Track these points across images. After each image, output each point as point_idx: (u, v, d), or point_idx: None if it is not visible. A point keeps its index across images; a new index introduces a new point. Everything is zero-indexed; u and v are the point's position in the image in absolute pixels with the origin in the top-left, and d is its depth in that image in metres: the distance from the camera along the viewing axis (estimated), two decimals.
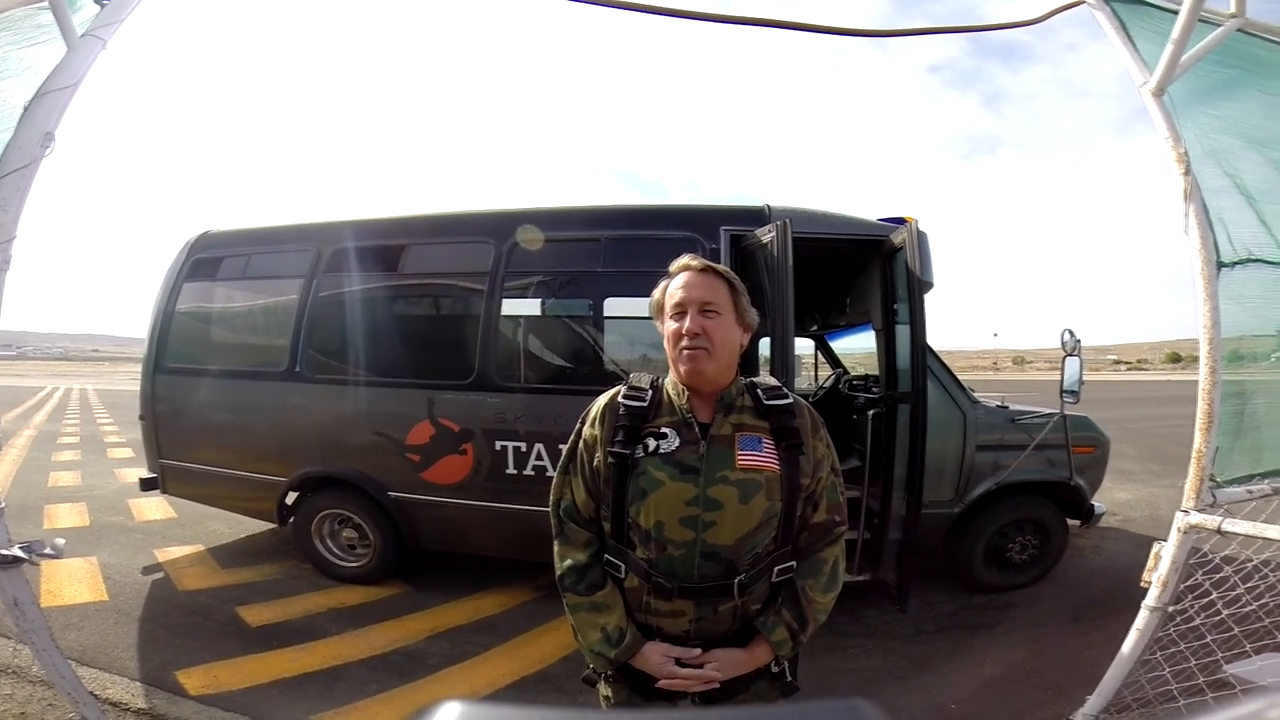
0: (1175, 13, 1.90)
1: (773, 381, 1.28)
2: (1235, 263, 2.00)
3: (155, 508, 5.55)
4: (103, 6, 1.70)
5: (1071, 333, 3.61)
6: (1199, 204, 1.92)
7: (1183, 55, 1.92)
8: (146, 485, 4.34)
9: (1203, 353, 1.91)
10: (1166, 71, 1.96)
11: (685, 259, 1.25)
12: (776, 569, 1.21)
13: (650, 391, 1.25)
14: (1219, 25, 2.02)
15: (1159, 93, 1.99)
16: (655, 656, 1.18)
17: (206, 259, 4.23)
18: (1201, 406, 1.93)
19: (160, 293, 4.26)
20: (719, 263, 1.48)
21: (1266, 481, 2.10)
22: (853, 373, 5.52)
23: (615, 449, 1.19)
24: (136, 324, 4.38)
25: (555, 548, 1.29)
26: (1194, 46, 1.94)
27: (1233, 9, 2.06)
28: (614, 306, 3.60)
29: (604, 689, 1.26)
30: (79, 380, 38.40)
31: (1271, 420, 2.17)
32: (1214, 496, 1.96)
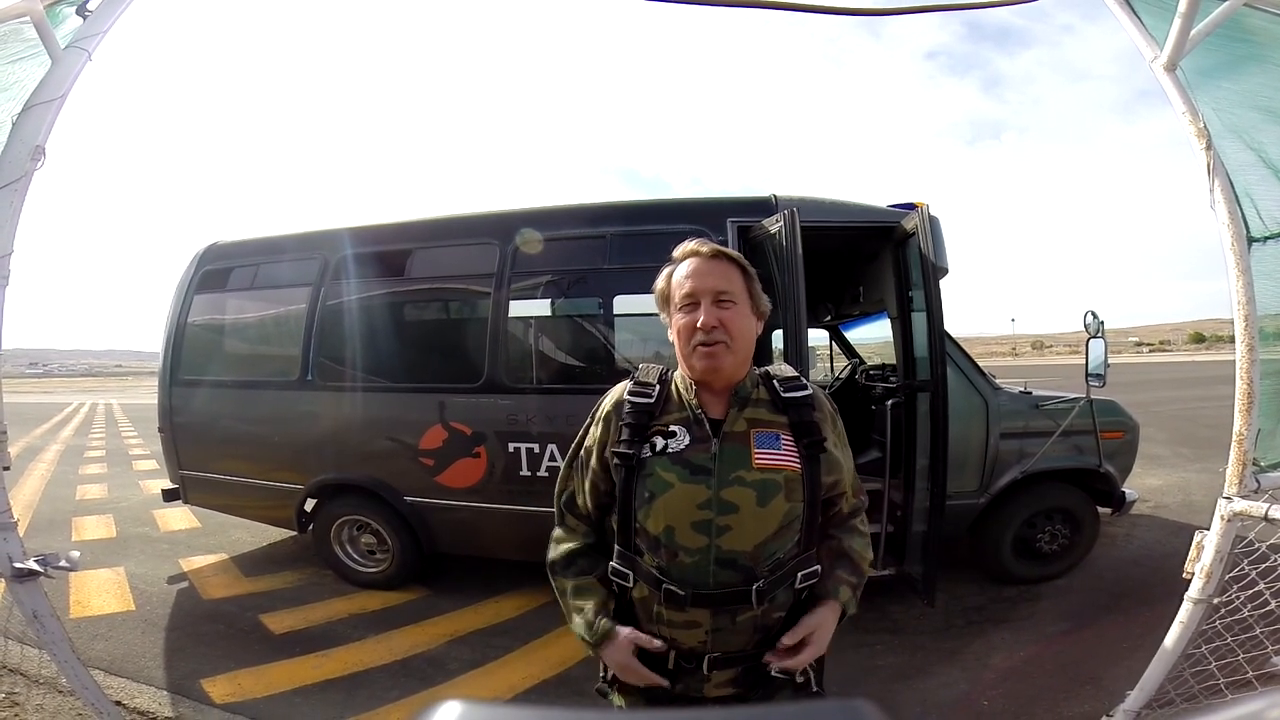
0: None
1: (790, 371, 1.19)
2: (1266, 237, 1.91)
3: (179, 518, 5.63)
4: (84, 18, 1.69)
5: (1094, 314, 3.50)
6: (1224, 178, 1.83)
7: (1192, 29, 1.83)
8: (169, 496, 4.41)
9: (1238, 330, 1.81)
10: (1177, 45, 1.87)
11: (692, 244, 1.14)
12: (801, 574, 1.11)
13: (658, 386, 1.17)
14: None
15: (1171, 67, 1.90)
16: (621, 643, 1.11)
17: (215, 270, 4.26)
18: (1240, 386, 1.83)
19: (172, 305, 4.30)
20: None
21: None
22: (869, 362, 5.43)
23: (620, 449, 1.12)
24: (157, 338, 4.43)
25: (553, 534, 1.26)
26: (1201, 20, 1.86)
27: None
28: (623, 304, 3.55)
29: (615, 699, 1.20)
30: (104, 395, 39.21)
31: None
32: (1258, 482, 1.86)
